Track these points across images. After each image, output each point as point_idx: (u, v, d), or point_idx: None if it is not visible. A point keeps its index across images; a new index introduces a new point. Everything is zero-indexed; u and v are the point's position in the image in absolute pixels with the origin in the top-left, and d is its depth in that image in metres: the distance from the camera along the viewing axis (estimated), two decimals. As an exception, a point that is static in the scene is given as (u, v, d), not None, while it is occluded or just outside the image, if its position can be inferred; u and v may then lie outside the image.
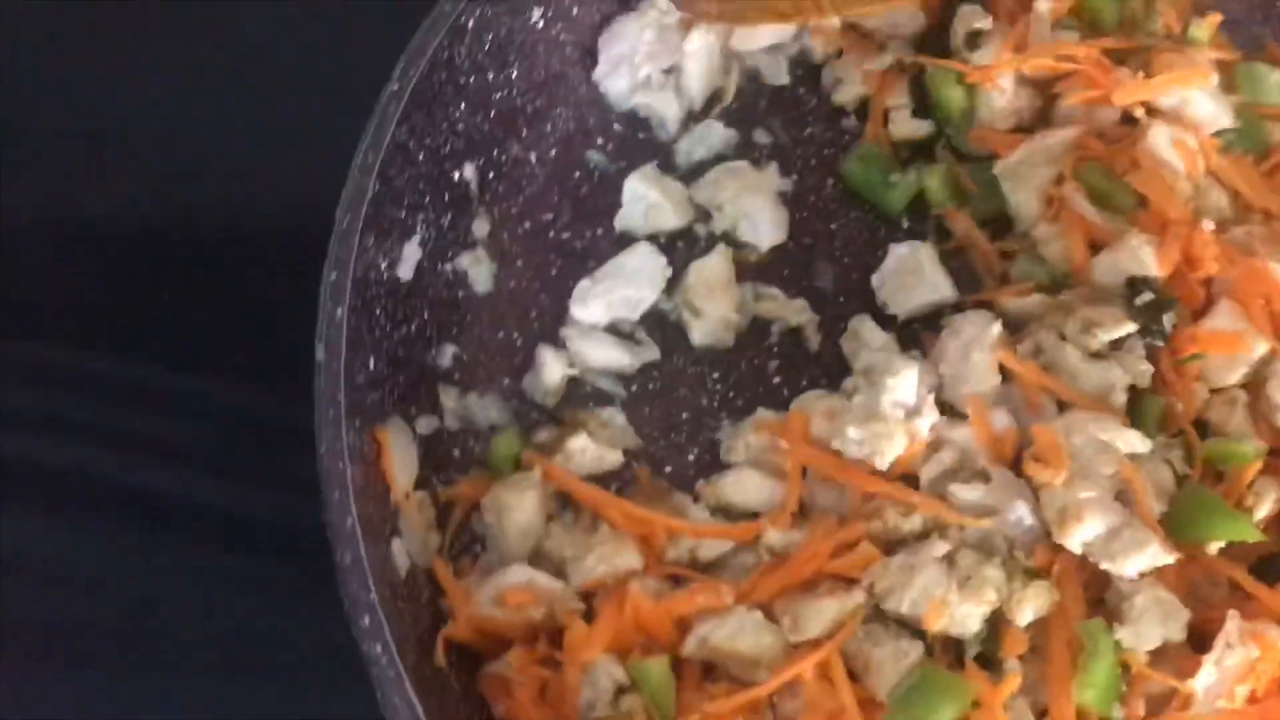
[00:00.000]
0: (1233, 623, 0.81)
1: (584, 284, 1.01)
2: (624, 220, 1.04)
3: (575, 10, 1.05)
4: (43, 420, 1.01)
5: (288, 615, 0.98)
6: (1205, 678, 0.80)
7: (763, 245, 1.03)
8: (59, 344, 1.04)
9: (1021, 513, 0.85)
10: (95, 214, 1.11)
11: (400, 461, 0.89)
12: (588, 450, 0.94)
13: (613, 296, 1.01)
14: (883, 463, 0.86)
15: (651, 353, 1.00)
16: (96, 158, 1.14)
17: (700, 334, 1.00)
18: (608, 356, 0.99)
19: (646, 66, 1.06)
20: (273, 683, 0.95)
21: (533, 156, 1.06)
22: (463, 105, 0.97)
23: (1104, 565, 0.82)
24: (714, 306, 0.99)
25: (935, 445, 0.89)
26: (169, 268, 1.10)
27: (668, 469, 0.97)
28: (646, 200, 1.04)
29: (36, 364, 1.03)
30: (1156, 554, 0.81)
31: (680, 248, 1.04)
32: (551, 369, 0.98)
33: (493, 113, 1.01)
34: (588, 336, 0.99)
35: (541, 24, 1.02)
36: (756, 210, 1.03)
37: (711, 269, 1.01)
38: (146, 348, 1.05)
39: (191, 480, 1.00)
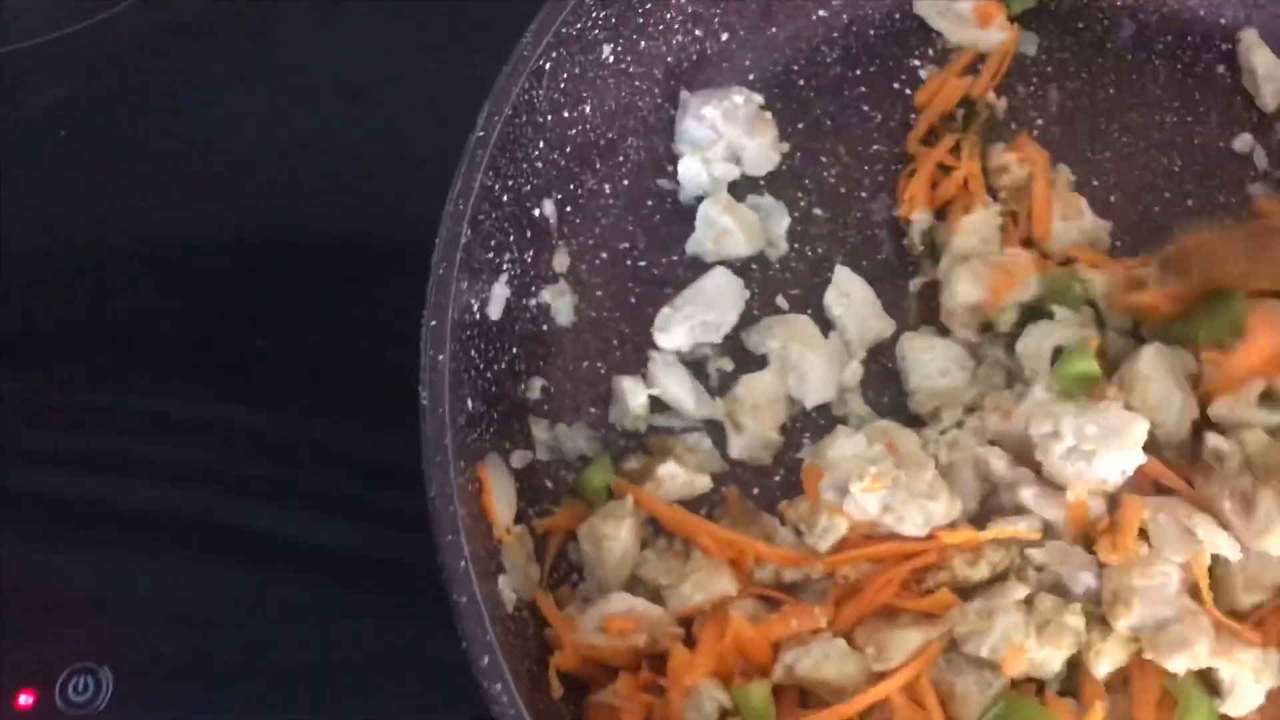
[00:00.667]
0: None
1: (665, 311, 1.03)
2: (694, 245, 1.06)
3: (642, 44, 1.06)
4: (157, 467, 1.04)
5: (403, 650, 1.00)
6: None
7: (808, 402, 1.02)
8: (171, 392, 1.07)
9: (1087, 580, 0.86)
10: (188, 251, 1.15)
11: (500, 497, 0.91)
12: (677, 476, 0.96)
13: (694, 322, 1.03)
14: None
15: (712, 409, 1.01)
16: (187, 186, 1.17)
17: (738, 448, 1.00)
18: (684, 395, 1.01)
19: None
20: (392, 717, 0.98)
21: (607, 188, 1.08)
22: (541, 144, 0.99)
23: (1148, 655, 0.83)
24: (756, 425, 1.00)
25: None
26: (266, 309, 1.13)
27: (755, 490, 0.99)
28: (717, 226, 1.06)
29: (149, 411, 1.06)
30: (1202, 655, 0.82)
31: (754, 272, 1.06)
32: (634, 397, 1.00)
33: (568, 148, 1.03)
34: (670, 369, 1.01)
35: (612, 59, 1.04)
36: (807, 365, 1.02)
37: (762, 387, 1.01)
38: (250, 391, 1.08)
39: (302, 521, 1.03)
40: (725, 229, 1.05)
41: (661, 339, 1.02)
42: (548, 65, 0.96)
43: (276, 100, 1.20)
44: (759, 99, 1.10)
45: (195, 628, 0.98)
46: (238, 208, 1.17)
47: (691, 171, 1.07)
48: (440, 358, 0.86)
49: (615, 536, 0.92)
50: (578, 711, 0.90)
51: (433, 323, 0.86)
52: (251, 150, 1.18)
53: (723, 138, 1.08)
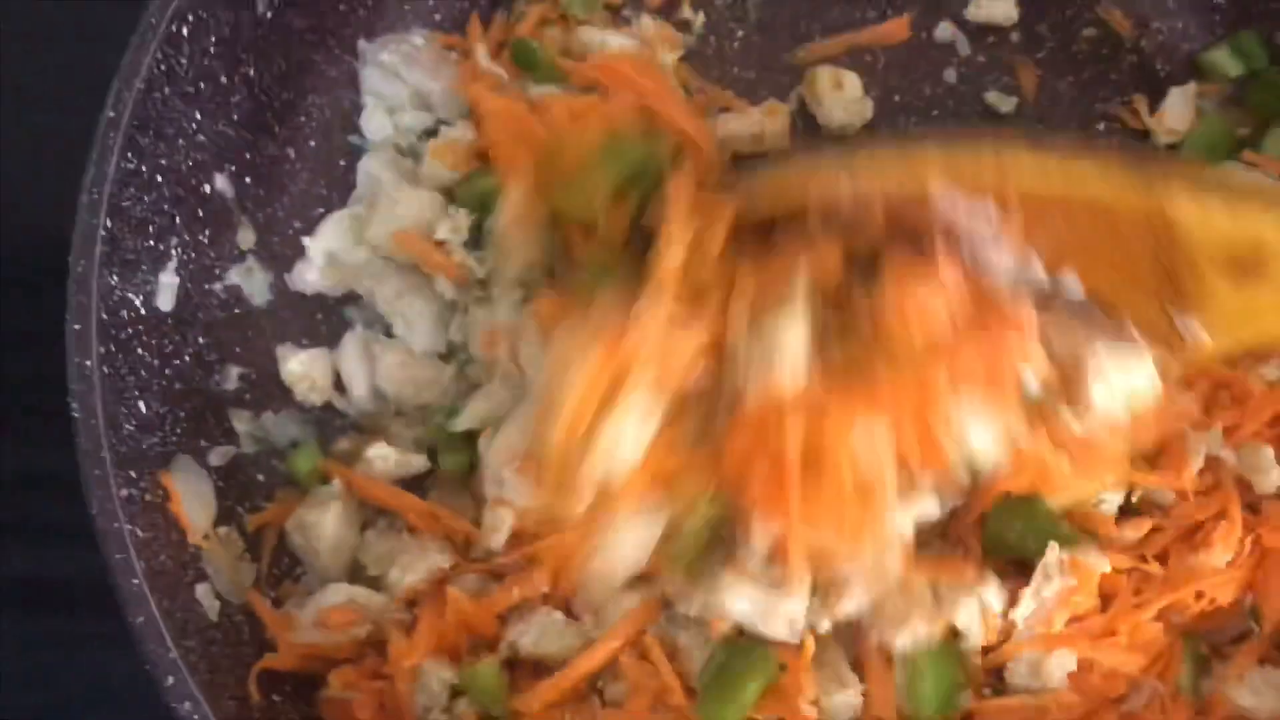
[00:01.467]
0: (1051, 554, 0.82)
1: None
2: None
3: (308, -7, 0.99)
4: None
5: (107, 668, 0.94)
6: (1024, 609, 0.82)
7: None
8: None
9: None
10: None
11: (194, 502, 0.86)
12: (389, 456, 0.91)
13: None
14: None
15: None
16: None
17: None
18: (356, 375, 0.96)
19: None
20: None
21: (290, 152, 1.01)
22: (198, 115, 0.92)
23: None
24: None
25: None
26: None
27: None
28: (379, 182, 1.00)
29: None
30: (921, 629, 0.81)
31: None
32: (356, 374, 0.95)
33: (235, 116, 0.96)
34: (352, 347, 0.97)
35: (269, 14, 0.96)
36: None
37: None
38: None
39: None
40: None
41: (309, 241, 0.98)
42: (184, 29, 0.88)
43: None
44: (440, 38, 1.04)
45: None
46: None
47: (375, 123, 1.01)
48: (88, 363, 0.79)
49: (323, 523, 0.88)
50: (310, 711, 0.86)
51: (76, 326, 0.79)
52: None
53: (408, 83, 1.02)
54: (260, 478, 0.93)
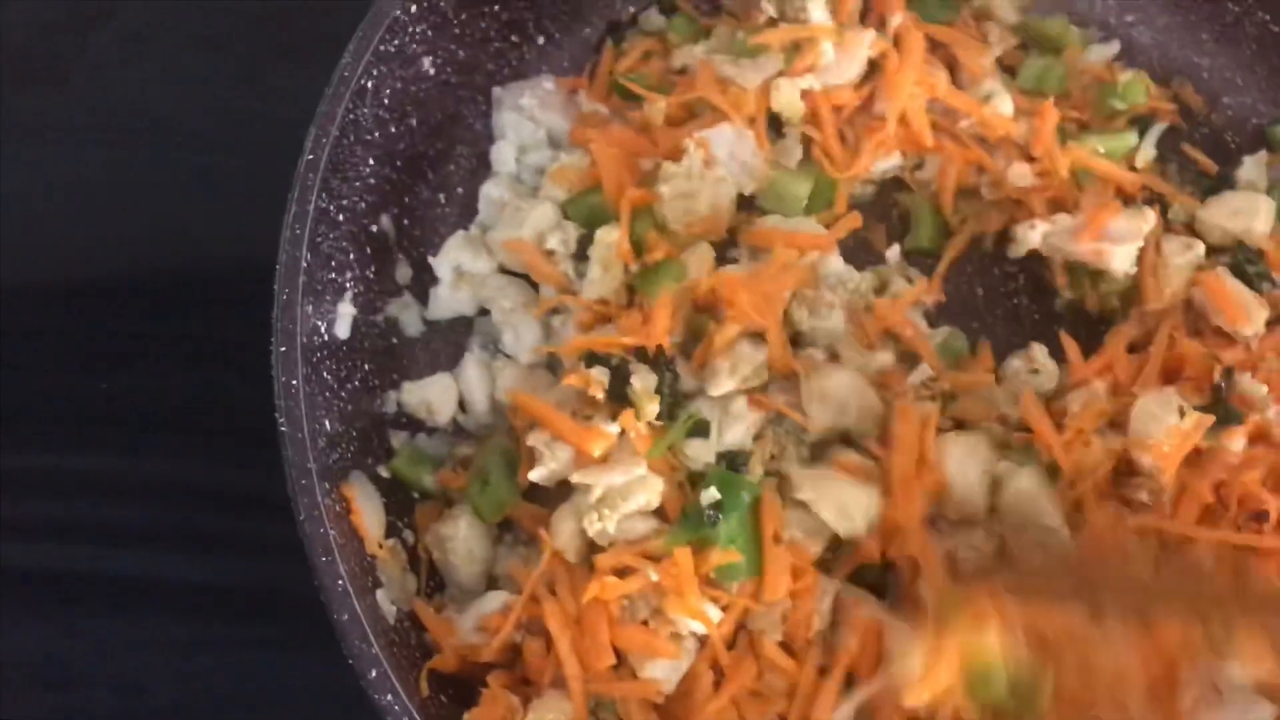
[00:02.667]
0: None
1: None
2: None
3: (461, 54, 1.08)
4: (15, 525, 1.02)
5: (278, 677, 1.01)
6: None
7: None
8: (19, 447, 1.05)
9: None
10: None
11: (369, 513, 0.92)
12: None
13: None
14: None
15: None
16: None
17: None
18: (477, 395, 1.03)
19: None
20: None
21: (441, 197, 1.10)
22: (371, 162, 1.00)
23: None
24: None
25: None
26: (94, 352, 1.12)
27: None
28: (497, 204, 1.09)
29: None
30: None
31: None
32: (475, 390, 1.03)
33: (399, 163, 1.04)
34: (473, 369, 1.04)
35: (433, 71, 1.05)
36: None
37: None
38: (93, 437, 1.07)
39: (167, 561, 1.02)
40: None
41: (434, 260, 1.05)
42: (369, 84, 0.97)
43: (83, 145, 1.18)
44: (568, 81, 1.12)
45: (70, 682, 0.97)
46: (50, 255, 1.15)
47: (502, 156, 1.09)
48: (294, 382, 0.86)
49: (455, 536, 0.95)
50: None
51: (282, 349, 0.87)
52: (60, 197, 1.17)
53: (540, 124, 1.10)
54: (416, 496, 1.00)
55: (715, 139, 1.02)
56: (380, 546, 0.93)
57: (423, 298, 1.06)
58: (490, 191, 1.08)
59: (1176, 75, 1.18)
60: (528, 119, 1.11)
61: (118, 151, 1.19)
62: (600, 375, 0.93)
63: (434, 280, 1.06)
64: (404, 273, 1.06)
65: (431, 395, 1.02)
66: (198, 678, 1.00)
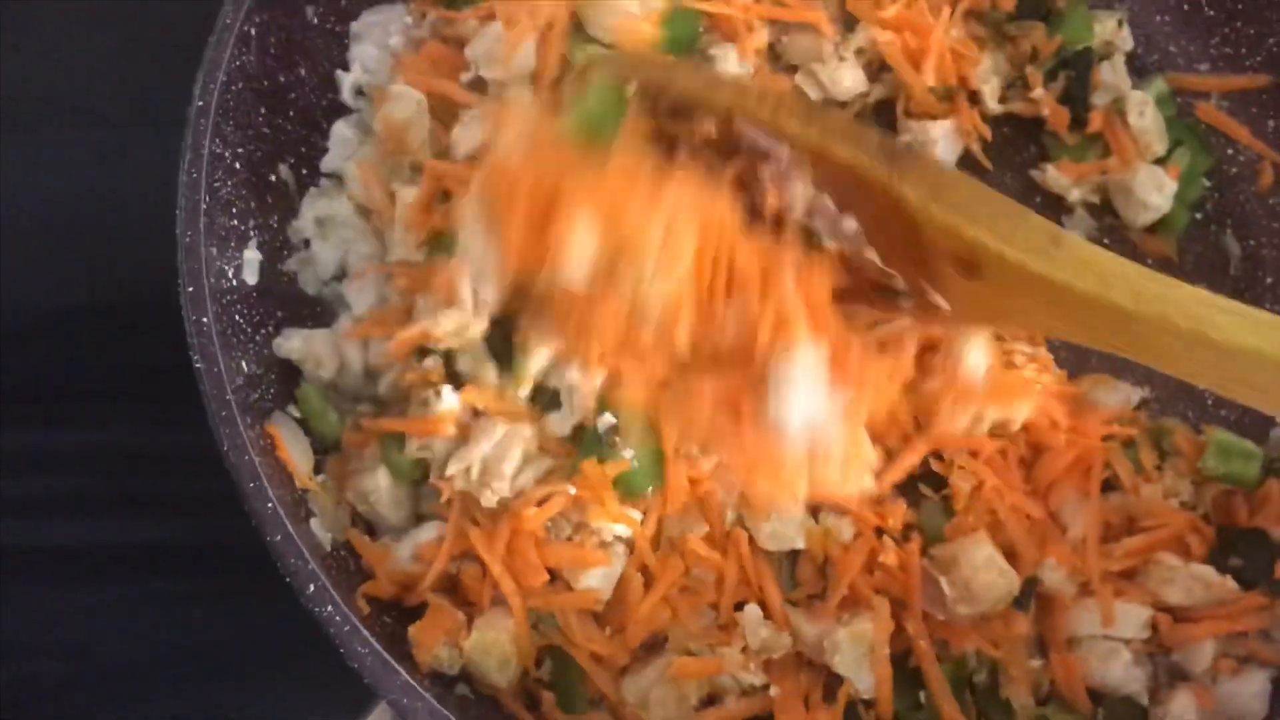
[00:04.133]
0: None
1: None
2: (327, 164, 1.09)
3: (343, 2, 1.09)
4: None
5: (221, 628, 1.01)
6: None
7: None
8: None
9: None
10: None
11: (295, 451, 0.93)
12: None
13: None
14: None
15: None
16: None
17: None
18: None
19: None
20: (227, 691, 0.99)
21: (338, 149, 1.11)
22: (263, 110, 1.01)
23: None
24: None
25: None
26: (13, 333, 1.11)
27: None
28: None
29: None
30: None
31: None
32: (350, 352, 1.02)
33: (291, 112, 1.05)
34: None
35: (315, 20, 1.07)
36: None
37: None
38: (20, 415, 1.06)
39: (99, 526, 1.03)
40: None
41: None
42: (252, 30, 0.98)
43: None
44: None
45: (16, 652, 0.97)
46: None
47: (348, 89, 1.09)
48: (204, 320, 0.87)
49: (376, 489, 0.96)
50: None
51: (190, 289, 0.88)
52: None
53: (387, 52, 1.10)
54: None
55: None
56: (310, 479, 0.94)
57: (325, 251, 1.07)
58: (342, 130, 1.08)
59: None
60: (377, 46, 1.10)
61: (19, 135, 1.18)
62: (434, 364, 0.95)
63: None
64: (305, 225, 1.07)
65: (318, 348, 1.00)
66: (142, 636, 1.00)
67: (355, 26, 1.11)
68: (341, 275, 1.05)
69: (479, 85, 1.06)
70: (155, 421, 1.05)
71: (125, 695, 0.97)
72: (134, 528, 1.03)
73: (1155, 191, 1.12)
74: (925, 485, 1.01)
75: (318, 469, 0.97)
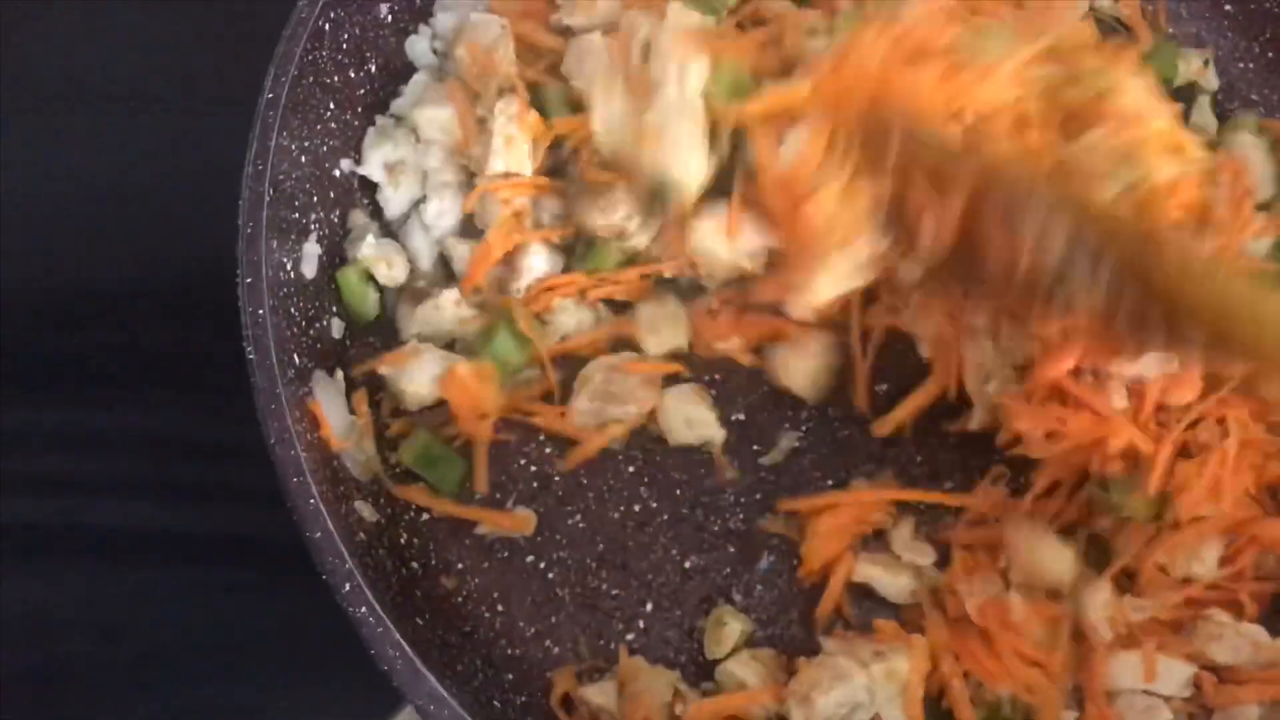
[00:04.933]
0: None
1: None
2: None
3: (418, 2, 1.10)
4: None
5: (254, 618, 1.02)
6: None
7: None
8: (5, 403, 1.06)
9: None
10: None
11: (334, 414, 0.94)
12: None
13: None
14: None
15: None
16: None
17: None
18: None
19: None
20: (256, 684, 0.99)
21: (402, 145, 1.11)
22: (331, 105, 1.02)
23: None
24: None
25: None
26: (65, 315, 1.13)
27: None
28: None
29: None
30: None
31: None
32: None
33: (359, 108, 1.06)
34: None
35: (390, 18, 1.07)
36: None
37: None
38: (66, 395, 1.08)
39: (141, 510, 1.04)
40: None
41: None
42: (326, 26, 0.98)
43: (35, 122, 1.19)
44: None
45: (58, 631, 0.99)
46: (20, 238, 1.15)
47: (417, 50, 1.10)
48: (260, 312, 0.88)
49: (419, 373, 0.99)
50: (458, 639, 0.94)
51: (248, 280, 0.88)
52: (20, 180, 1.17)
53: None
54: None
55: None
56: (344, 439, 0.95)
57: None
58: (414, 83, 1.09)
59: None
60: (454, 11, 1.11)
61: (79, 119, 1.20)
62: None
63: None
64: (364, 217, 1.07)
65: (386, 251, 1.04)
66: (177, 623, 1.01)
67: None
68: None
69: (566, 33, 1.07)
70: (203, 409, 1.06)
71: (155, 681, 0.98)
72: (176, 514, 1.04)
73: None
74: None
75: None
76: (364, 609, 0.81)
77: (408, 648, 0.81)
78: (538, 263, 1.02)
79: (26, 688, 0.96)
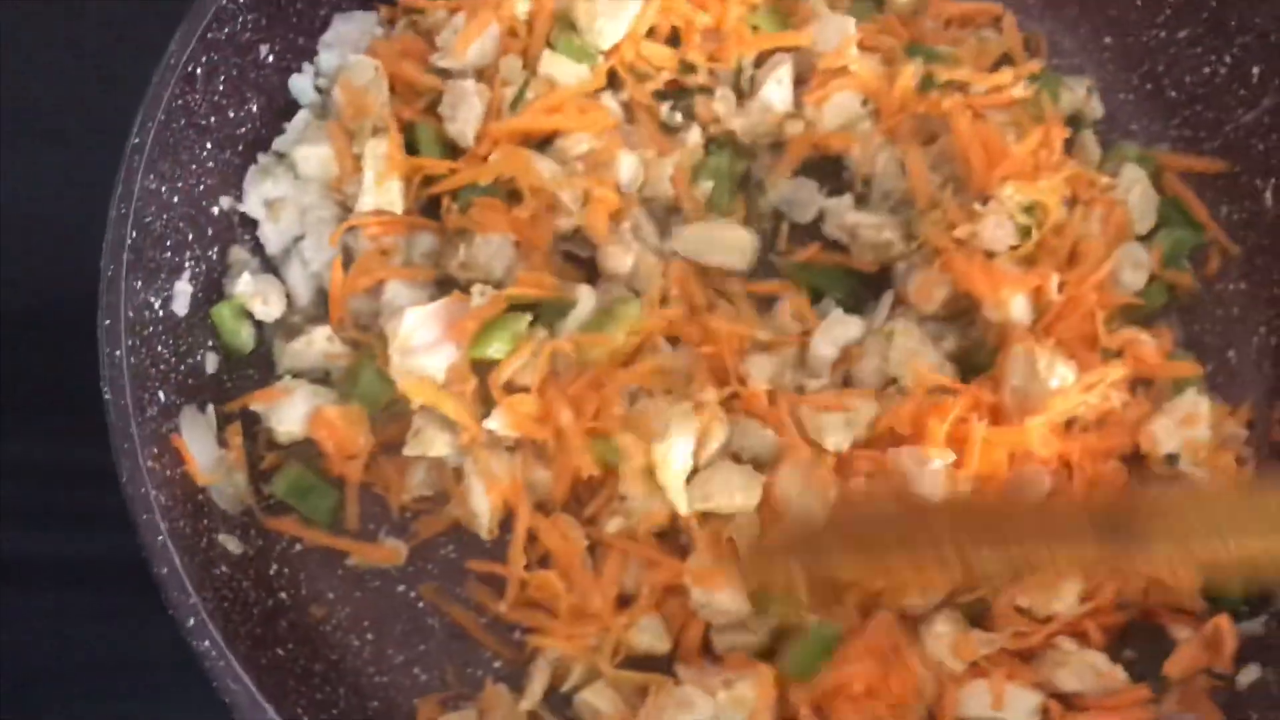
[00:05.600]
0: None
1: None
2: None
3: (300, 41, 1.12)
4: None
5: (134, 639, 1.05)
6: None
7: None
8: None
9: None
10: None
11: (200, 451, 0.97)
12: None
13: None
14: None
15: None
16: None
17: None
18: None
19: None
20: (129, 702, 1.02)
21: (286, 179, 1.14)
22: (208, 145, 1.04)
23: None
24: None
25: None
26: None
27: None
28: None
29: None
30: None
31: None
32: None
33: (240, 146, 1.08)
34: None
35: (271, 58, 1.10)
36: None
37: None
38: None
39: (12, 537, 1.06)
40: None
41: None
42: (198, 70, 1.01)
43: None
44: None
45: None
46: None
47: (300, 87, 1.12)
48: (118, 354, 0.90)
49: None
50: (309, 664, 0.96)
51: (107, 322, 0.91)
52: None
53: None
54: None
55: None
56: (210, 475, 0.98)
57: (268, 277, 1.10)
58: (296, 122, 1.11)
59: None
60: (341, 57, 1.13)
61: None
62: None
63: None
64: (244, 254, 1.09)
65: (264, 287, 1.06)
66: (55, 647, 1.03)
67: (326, 37, 1.14)
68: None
69: (443, 74, 1.10)
70: (83, 437, 1.07)
71: (34, 706, 1.00)
72: (60, 540, 1.06)
73: (1131, 269, 1.11)
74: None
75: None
76: (206, 643, 0.84)
77: (249, 681, 0.84)
78: (399, 299, 1.03)
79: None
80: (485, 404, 0.99)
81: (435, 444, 0.99)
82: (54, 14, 1.26)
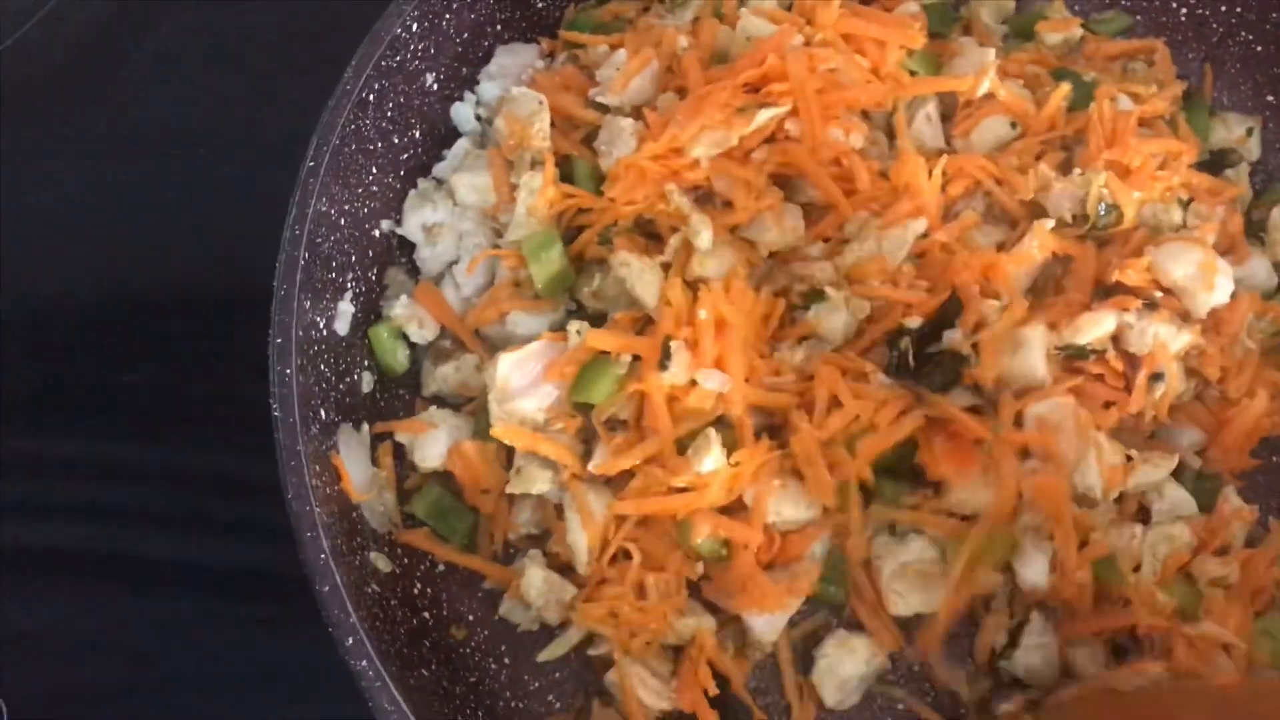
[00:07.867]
0: None
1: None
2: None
3: (463, 70, 1.14)
4: (30, 506, 1.09)
5: (277, 649, 1.07)
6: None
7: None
8: (43, 435, 1.13)
9: None
10: (43, 302, 1.20)
11: (355, 467, 1.00)
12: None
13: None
14: None
15: None
16: (33, 243, 1.22)
17: None
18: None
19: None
20: (274, 713, 1.04)
21: (443, 203, 1.16)
22: (374, 169, 1.07)
23: None
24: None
25: None
26: (118, 349, 1.19)
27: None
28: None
29: (22, 453, 1.11)
30: None
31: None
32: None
33: (402, 171, 1.11)
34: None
35: (435, 86, 1.12)
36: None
37: None
38: (112, 427, 1.14)
39: (171, 542, 1.09)
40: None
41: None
42: (370, 97, 1.03)
43: (124, 159, 1.27)
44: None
45: (79, 655, 1.04)
46: (90, 265, 1.23)
47: (461, 115, 1.15)
48: (288, 371, 0.93)
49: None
50: (451, 685, 0.98)
51: (278, 340, 0.93)
52: (101, 208, 1.25)
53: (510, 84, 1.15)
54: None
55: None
56: (364, 493, 1.00)
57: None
58: (456, 149, 1.14)
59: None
60: (499, 81, 1.16)
61: (149, 164, 1.27)
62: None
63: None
64: (401, 275, 1.12)
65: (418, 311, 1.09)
66: (202, 652, 1.06)
67: (489, 68, 1.17)
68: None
69: (600, 108, 1.12)
70: (242, 449, 1.10)
71: (179, 707, 1.03)
72: (214, 548, 1.09)
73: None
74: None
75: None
76: (364, 662, 0.85)
77: (403, 703, 0.85)
78: (519, 327, 1.05)
79: (46, 707, 1.01)
80: (585, 439, 1.00)
81: (536, 482, 1.00)
82: (224, 34, 1.31)
